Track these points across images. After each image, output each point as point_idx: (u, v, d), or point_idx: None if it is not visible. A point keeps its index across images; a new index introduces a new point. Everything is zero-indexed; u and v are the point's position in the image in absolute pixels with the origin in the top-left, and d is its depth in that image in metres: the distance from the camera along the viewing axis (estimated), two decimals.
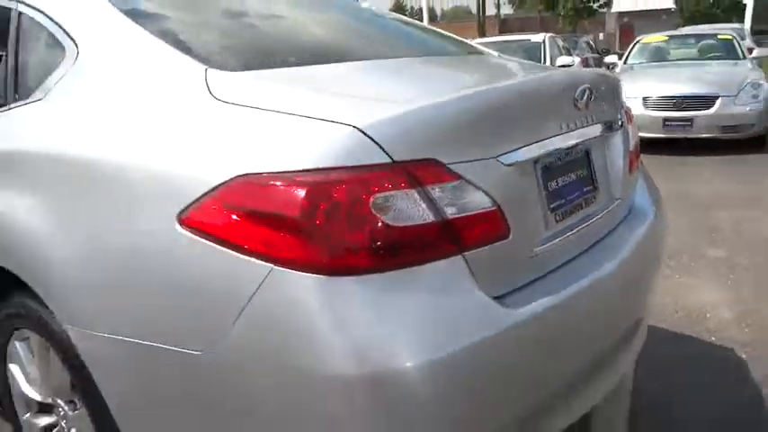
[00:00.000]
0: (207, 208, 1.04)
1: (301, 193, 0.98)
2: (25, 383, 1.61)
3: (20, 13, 1.62)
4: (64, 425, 1.55)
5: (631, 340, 1.62)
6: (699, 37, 8.42)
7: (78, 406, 1.49)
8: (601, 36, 30.16)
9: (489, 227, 1.13)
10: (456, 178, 1.08)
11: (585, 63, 10.28)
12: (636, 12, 37.83)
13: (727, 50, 7.76)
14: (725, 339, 2.39)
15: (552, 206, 1.32)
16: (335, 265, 0.99)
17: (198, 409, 1.14)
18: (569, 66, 7.21)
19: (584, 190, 1.46)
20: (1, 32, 1.72)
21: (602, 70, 1.67)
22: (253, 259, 1.00)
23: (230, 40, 1.52)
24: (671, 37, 8.49)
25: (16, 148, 1.43)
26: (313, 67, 1.43)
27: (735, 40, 7.87)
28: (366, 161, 1.00)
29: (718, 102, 6.16)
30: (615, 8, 33.11)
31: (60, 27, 1.48)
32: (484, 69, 1.87)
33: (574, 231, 1.37)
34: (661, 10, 37.47)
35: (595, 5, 29.97)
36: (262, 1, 1.95)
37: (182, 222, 1.06)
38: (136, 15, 1.44)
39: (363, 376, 0.97)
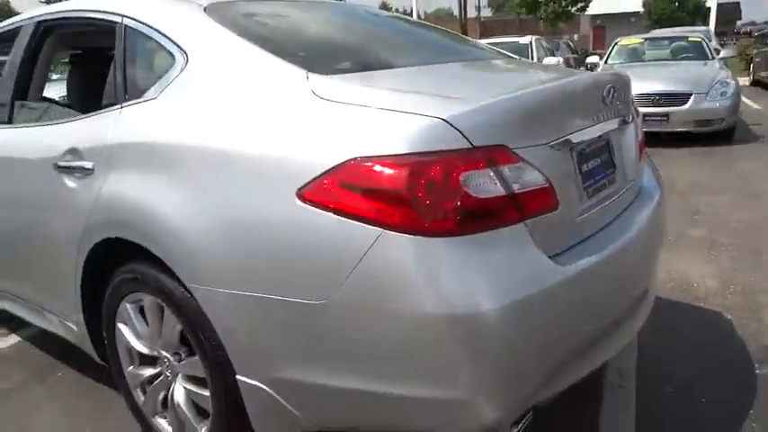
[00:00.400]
0: (323, 185, 1.32)
1: (404, 172, 1.27)
2: (134, 340, 1.87)
3: (125, 27, 1.89)
4: (168, 373, 1.82)
5: (644, 302, 1.95)
6: (671, 39, 8.91)
7: (183, 357, 1.77)
8: (575, 37, 30.97)
9: (544, 200, 1.44)
10: (519, 160, 1.38)
11: (567, 63, 10.72)
12: (607, 14, 38.82)
13: (697, 52, 8.26)
14: (712, 304, 2.75)
15: (585, 185, 1.63)
16: (431, 229, 1.27)
17: (311, 347, 1.41)
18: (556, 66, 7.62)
19: (607, 172, 1.78)
20: (107, 43, 1.99)
21: (619, 72, 1.99)
22: (364, 225, 1.28)
23: (318, 48, 1.80)
24: (646, 39, 8.98)
25: (138, 137, 1.69)
26: (388, 70, 1.73)
27: (704, 42, 8.37)
28: (453, 146, 1.30)
29: (692, 99, 6.62)
30: (588, 11, 34.08)
31: (169, 38, 1.75)
32: (521, 71, 2.21)
33: (601, 206, 1.68)
34: (630, 13, 38.48)
35: (573, 9, 30.84)
36: (332, 16, 2.24)
37: (300, 197, 1.34)
38: (236, 28, 1.72)
39: (453, 316, 1.25)
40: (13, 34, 2.41)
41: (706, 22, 31.88)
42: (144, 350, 1.87)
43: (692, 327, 2.60)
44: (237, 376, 1.53)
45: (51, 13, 2.27)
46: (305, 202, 1.33)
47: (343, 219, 1.29)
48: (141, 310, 1.84)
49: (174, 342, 1.75)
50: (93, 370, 2.45)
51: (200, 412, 1.78)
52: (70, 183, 1.87)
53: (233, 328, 1.49)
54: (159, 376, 1.88)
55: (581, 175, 1.62)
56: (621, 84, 1.90)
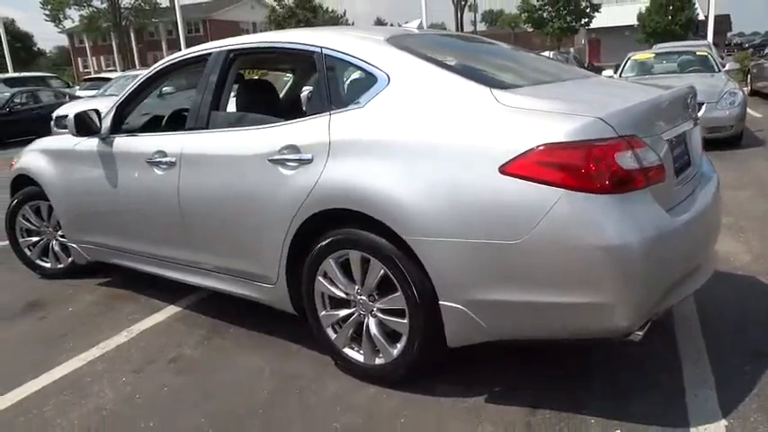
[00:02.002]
0: (520, 162, 1.97)
1: (579, 152, 1.92)
2: (332, 288, 2.50)
3: (325, 55, 2.55)
4: (362, 312, 2.45)
5: (713, 257, 2.61)
6: (680, 53, 9.67)
7: (377, 297, 2.40)
8: (571, 50, 32.07)
9: (659, 173, 2.10)
10: (645, 145, 2.05)
11: None
12: (603, 28, 39.96)
13: (704, 65, 9.00)
14: (749, 271, 3.41)
15: (675, 166, 2.30)
16: (597, 189, 1.92)
17: (503, 273, 2.05)
18: None
19: (685, 159, 2.44)
20: (310, 66, 2.65)
21: (692, 85, 2.67)
22: (550, 187, 1.93)
23: (481, 70, 2.46)
24: (657, 54, 9.73)
25: (352, 134, 2.33)
26: (538, 86, 2.40)
27: (710, 56, 9.12)
28: (606, 135, 1.96)
29: (704, 108, 7.30)
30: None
31: (368, 63, 2.42)
32: (621, 84, 2.90)
33: (684, 182, 2.35)
34: (624, 27, 39.62)
35: (578, 25, 32.07)
36: (476, 45, 2.93)
37: (501, 171, 1.99)
38: (419, 55, 2.39)
39: (609, 245, 1.90)
40: (202, 58, 3.07)
41: (698, 35, 33.03)
42: (340, 295, 2.51)
43: (735, 286, 3.25)
44: (440, 302, 2.17)
45: (242, 44, 2.94)
46: (505, 174, 1.98)
47: (534, 184, 1.95)
48: (341, 265, 2.47)
49: (373, 286, 2.38)
50: (259, 325, 3.10)
51: (391, 337, 2.41)
52: (285, 171, 2.51)
53: (441, 266, 2.13)
54: (351, 316, 2.51)
55: (672, 160, 2.28)
56: (694, 94, 2.58)
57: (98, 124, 3.42)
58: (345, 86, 2.51)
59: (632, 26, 39.29)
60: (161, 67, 3.35)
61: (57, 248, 4.14)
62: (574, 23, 32.67)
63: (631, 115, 2.09)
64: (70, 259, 4.05)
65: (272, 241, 2.60)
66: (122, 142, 3.36)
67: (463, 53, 2.78)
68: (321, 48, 2.58)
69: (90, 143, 3.52)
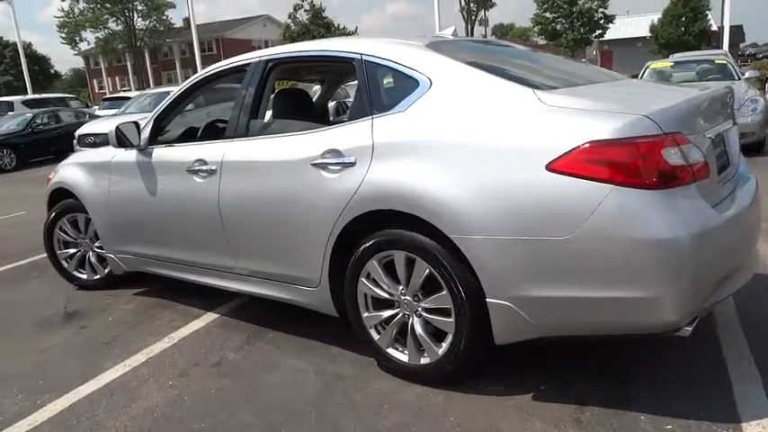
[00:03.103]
0: (568, 159, 2.00)
1: (627, 149, 1.96)
2: (375, 289, 2.54)
3: (365, 62, 2.61)
4: (407, 312, 2.49)
5: (755, 257, 2.61)
6: (698, 62, 9.68)
7: (422, 297, 2.44)
8: (583, 60, 32.22)
9: (703, 170, 2.12)
10: (689, 142, 2.08)
11: None
12: (615, 40, 40.07)
13: (723, 73, 9.00)
14: None
15: (717, 165, 2.32)
16: (645, 184, 1.94)
17: (551, 270, 2.08)
18: None
19: (725, 158, 2.47)
20: (349, 74, 2.71)
21: (729, 86, 2.70)
22: (599, 184, 1.96)
23: (520, 73, 2.50)
24: (675, 63, 9.75)
25: (396, 137, 2.39)
26: (576, 87, 2.44)
27: (729, 64, 9.13)
28: (653, 132, 1.99)
29: None
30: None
31: (410, 68, 2.48)
32: (654, 85, 2.94)
33: (725, 181, 2.37)
34: (637, 38, 39.71)
35: (592, 36, 32.28)
36: (506, 49, 2.99)
37: (549, 168, 2.03)
38: (460, 60, 2.45)
39: (659, 240, 1.93)
40: (240, 69, 3.16)
41: (710, 46, 32.99)
42: (384, 296, 2.55)
43: None
44: (488, 299, 2.21)
45: (281, 54, 3.03)
46: (553, 172, 2.02)
47: (583, 180, 1.98)
48: (385, 266, 2.51)
49: (418, 285, 2.42)
50: (299, 329, 3.14)
51: (437, 336, 2.44)
52: (327, 175, 2.57)
53: (489, 264, 2.16)
54: (395, 316, 2.54)
55: (715, 158, 2.30)
56: (732, 94, 2.61)
57: (137, 136, 3.50)
58: (386, 91, 2.57)
59: (644, 38, 39.38)
60: (198, 79, 3.44)
61: (93, 260, 4.22)
62: (588, 35, 32.86)
63: (675, 113, 2.13)
64: (107, 270, 4.13)
65: (315, 244, 2.65)
66: (161, 153, 3.44)
67: (499, 57, 2.83)
68: (361, 55, 2.64)
69: (128, 155, 3.61)
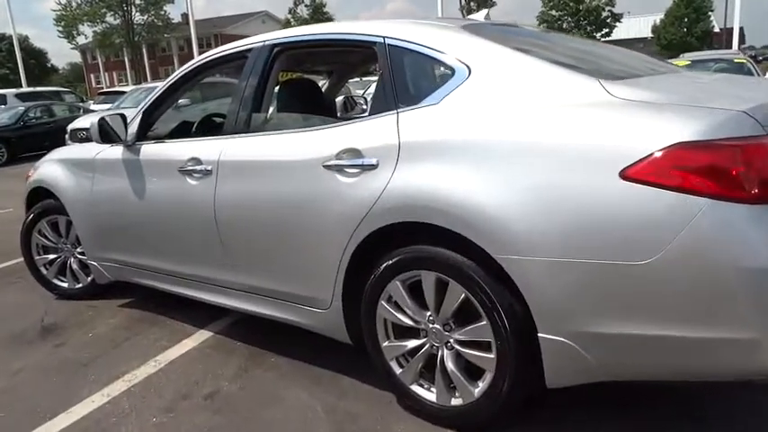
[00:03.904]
0: (648, 165, 1.60)
1: (727, 152, 1.55)
2: (398, 315, 2.15)
3: (389, 46, 2.21)
4: (436, 343, 2.09)
5: None
6: (715, 61, 9.30)
7: (453, 326, 2.04)
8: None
9: None
10: None
11: None
12: (616, 40, 39.71)
13: (742, 72, 8.61)
14: None
15: None
16: (750, 197, 1.53)
17: (625, 302, 1.67)
18: None
19: None
20: (368, 61, 2.30)
21: None
22: (690, 196, 1.55)
23: (582, 62, 2.10)
24: (693, 61, 9.37)
25: (429, 135, 1.98)
26: (646, 77, 2.04)
27: (749, 63, 8.75)
28: (755, 132, 1.59)
29: None
30: (598, 37, 35.22)
31: (444, 54, 2.07)
32: (725, 77, 2.56)
33: None
34: (639, 39, 39.40)
35: (598, 35, 32.10)
36: (568, 40, 2.56)
37: (623, 176, 1.62)
38: (504, 45, 2.05)
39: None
40: (240, 55, 2.75)
41: (712, 47, 32.65)
42: (408, 323, 2.15)
43: None
44: (540, 334, 1.81)
45: (287, 37, 2.62)
46: (629, 180, 1.62)
47: (668, 192, 1.58)
48: (410, 288, 2.12)
49: (451, 313, 2.02)
50: (304, 354, 2.75)
51: (472, 374, 2.04)
52: (343, 179, 2.17)
53: (543, 291, 1.76)
54: (421, 347, 2.15)
55: None
56: None
57: (124, 130, 3.10)
58: (415, 81, 2.17)
59: (646, 38, 39.07)
60: (193, 66, 3.03)
61: (75, 267, 3.82)
62: (594, 34, 32.52)
63: None
64: (90, 278, 3.73)
65: (326, 260, 2.25)
66: (150, 150, 3.04)
67: (543, 43, 2.42)
68: (384, 38, 2.24)
69: (114, 151, 3.21)
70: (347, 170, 2.16)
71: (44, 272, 3.90)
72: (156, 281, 3.20)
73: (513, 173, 1.80)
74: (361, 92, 9.31)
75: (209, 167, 2.65)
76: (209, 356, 2.88)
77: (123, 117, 3.13)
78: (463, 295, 1.96)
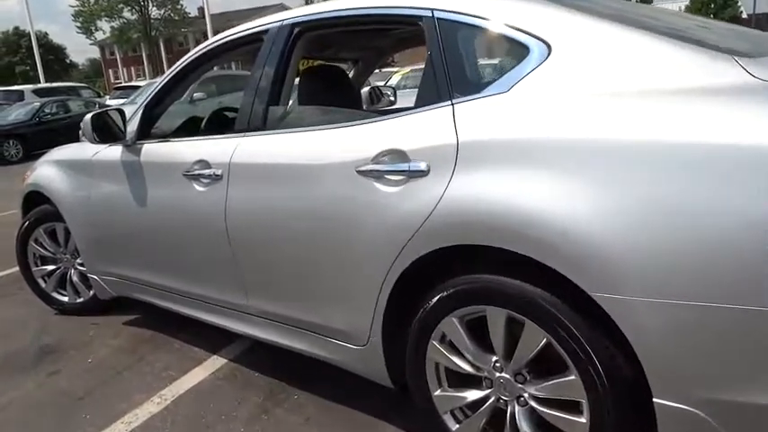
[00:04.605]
0: None
1: None
2: (455, 359, 1.71)
3: (440, 20, 1.75)
4: (506, 396, 1.64)
5: None
6: None
7: (528, 378, 1.59)
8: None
9: None
10: None
11: None
12: None
13: None
14: None
15: None
16: None
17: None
18: None
19: None
20: (409, 39, 1.84)
21: None
22: None
23: (699, 38, 1.61)
24: None
25: (496, 134, 1.53)
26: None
27: None
28: None
29: None
30: None
31: (517, 29, 1.61)
32: None
33: None
34: None
35: None
36: (662, 12, 2.06)
37: None
38: (601, 16, 1.57)
39: None
40: (255, 38, 2.32)
41: None
42: (467, 369, 1.71)
43: None
44: (656, 399, 1.35)
45: (311, 15, 2.17)
46: None
47: None
48: (469, 325, 1.68)
49: (526, 361, 1.57)
50: (333, 391, 2.32)
51: None
52: (384, 187, 1.73)
53: (665, 344, 1.31)
54: (485, 400, 1.70)
55: None
56: None
57: (122, 128, 2.69)
58: (475, 64, 1.72)
59: None
60: (200, 53, 2.60)
61: (76, 279, 3.43)
62: None
63: None
64: (92, 292, 3.34)
65: (362, 287, 1.82)
66: (152, 150, 2.63)
67: (642, 16, 1.92)
68: (432, 10, 1.78)
69: (112, 152, 2.80)
70: (388, 177, 1.72)
71: (42, 284, 3.52)
72: (161, 299, 2.80)
73: (617, 183, 1.33)
74: (382, 84, 8.84)
75: (218, 172, 2.23)
76: (223, 391, 2.47)
77: (121, 112, 2.71)
78: (544, 340, 1.51)
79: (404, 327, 1.80)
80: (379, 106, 3.80)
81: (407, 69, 11.89)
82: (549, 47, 1.54)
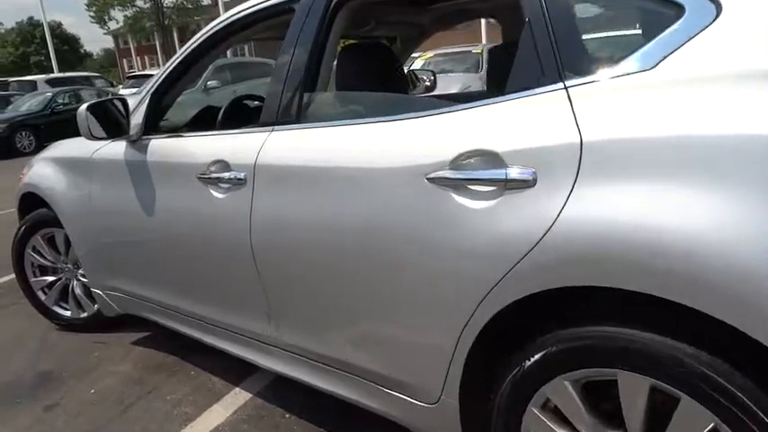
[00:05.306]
0: None
1: None
2: None
3: None
4: None
5: None
6: None
7: None
8: None
9: None
10: None
11: None
12: None
13: None
14: None
15: None
16: None
17: None
18: None
19: None
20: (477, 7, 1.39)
21: None
22: None
23: None
24: None
25: (642, 128, 1.07)
26: None
27: None
28: None
29: None
30: None
31: None
32: None
33: None
34: None
35: None
36: None
37: None
38: None
39: None
40: (282, 10, 1.87)
41: None
42: None
43: None
44: None
45: None
46: None
47: None
48: (584, 390, 1.23)
49: None
50: None
51: None
52: (466, 201, 1.28)
53: None
54: None
55: None
56: None
57: (125, 121, 2.26)
58: (597, 32, 1.25)
59: None
60: (214, 29, 2.15)
61: (79, 292, 3.04)
62: None
63: None
64: (97, 306, 2.94)
65: (436, 330, 1.38)
66: (161, 147, 2.20)
67: None
68: None
69: (114, 149, 2.38)
70: (473, 187, 1.27)
71: (42, 297, 3.13)
72: (173, 321, 2.39)
73: None
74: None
75: (241, 175, 1.79)
76: None
77: (124, 102, 2.28)
78: (711, 425, 1.05)
79: (488, 386, 1.36)
80: (416, 93, 3.35)
81: (430, 54, 11.36)
82: (717, 4, 1.08)
